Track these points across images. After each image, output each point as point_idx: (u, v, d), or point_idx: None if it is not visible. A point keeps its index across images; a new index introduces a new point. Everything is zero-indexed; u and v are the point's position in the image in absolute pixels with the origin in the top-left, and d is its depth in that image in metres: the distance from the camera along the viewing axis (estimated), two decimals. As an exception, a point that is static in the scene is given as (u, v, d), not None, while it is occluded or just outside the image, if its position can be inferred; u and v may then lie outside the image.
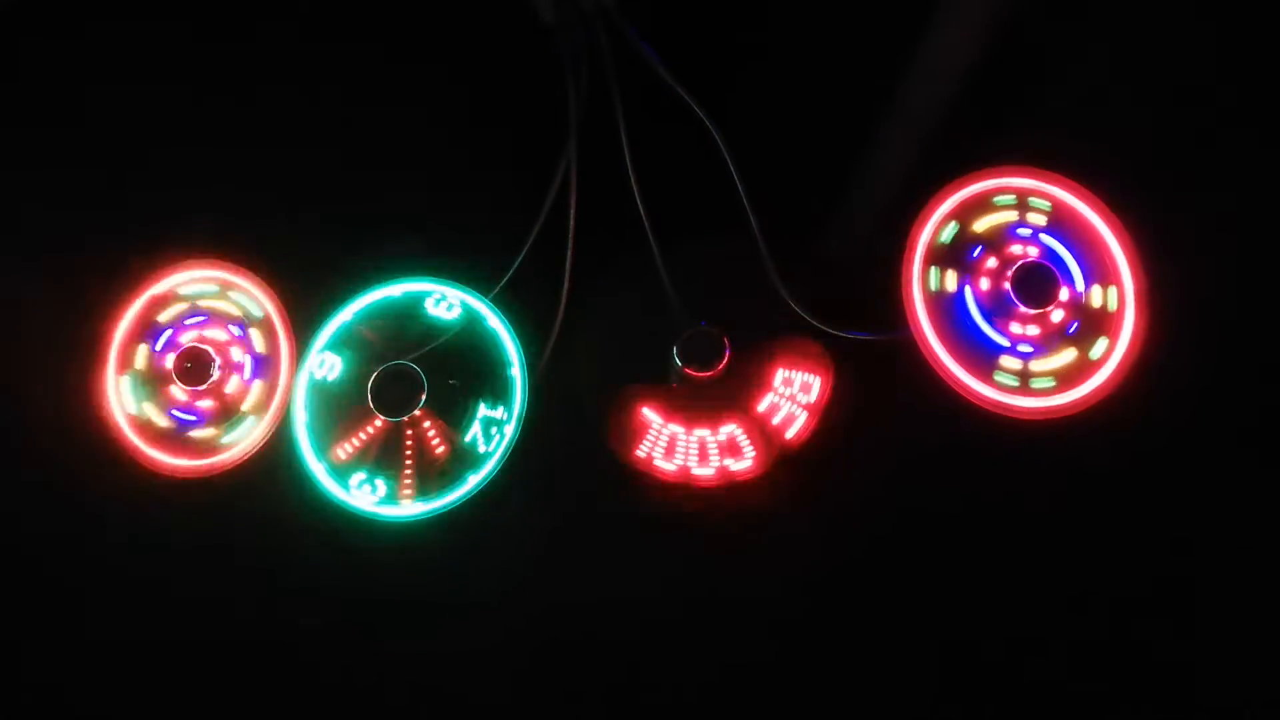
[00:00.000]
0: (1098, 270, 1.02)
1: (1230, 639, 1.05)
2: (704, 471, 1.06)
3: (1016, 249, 1.03)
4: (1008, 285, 1.02)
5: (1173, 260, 1.03)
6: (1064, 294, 1.01)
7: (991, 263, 1.03)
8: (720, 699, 1.07)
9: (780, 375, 1.06)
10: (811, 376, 1.06)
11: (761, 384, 1.06)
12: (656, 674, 1.08)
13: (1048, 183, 1.04)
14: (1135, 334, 1.00)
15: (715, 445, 1.06)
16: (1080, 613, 1.06)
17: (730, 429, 1.06)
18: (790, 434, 1.06)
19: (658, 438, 1.06)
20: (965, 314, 1.03)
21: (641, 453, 1.06)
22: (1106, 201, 1.03)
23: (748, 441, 1.05)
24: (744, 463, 1.06)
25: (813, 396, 1.05)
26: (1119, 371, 1.00)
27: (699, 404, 1.06)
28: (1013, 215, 1.04)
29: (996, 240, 1.04)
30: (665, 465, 1.06)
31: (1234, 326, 1.10)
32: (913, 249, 1.04)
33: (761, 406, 1.06)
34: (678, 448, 1.07)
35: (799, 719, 1.06)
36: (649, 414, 1.06)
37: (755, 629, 1.08)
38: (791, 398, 1.06)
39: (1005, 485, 1.08)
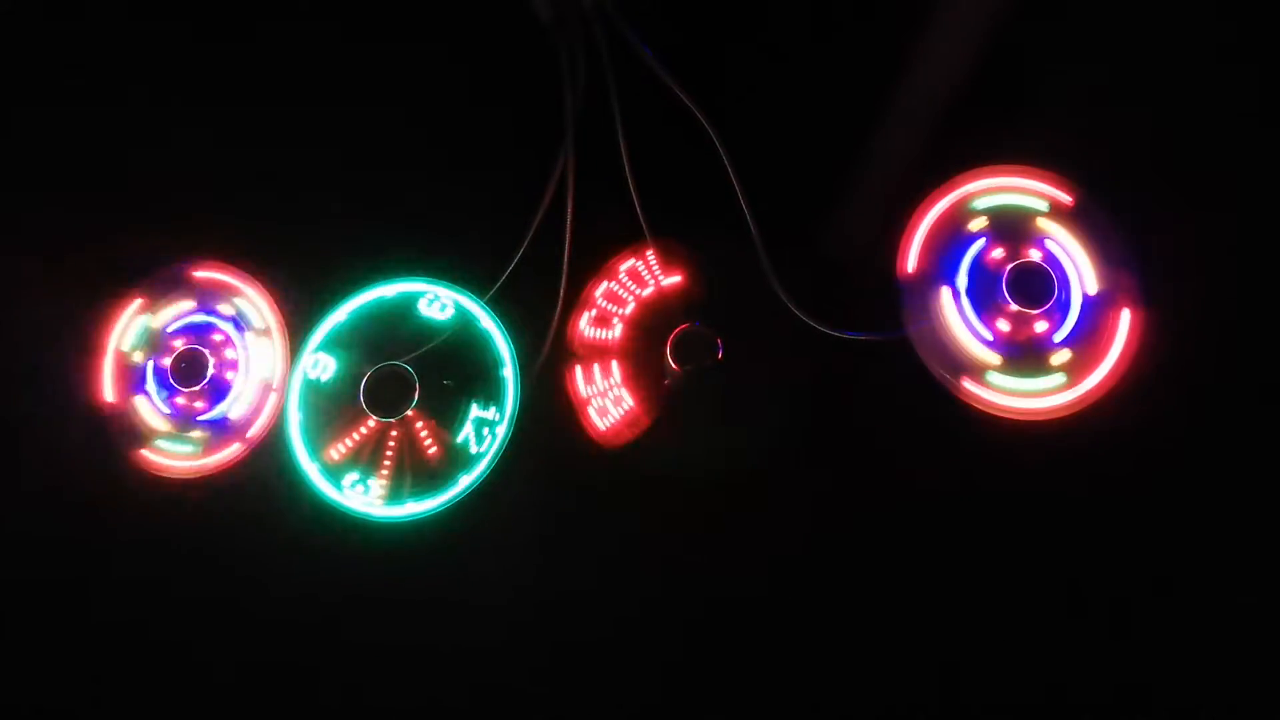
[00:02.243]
0: (1094, 271, 1.02)
1: (1228, 639, 1.04)
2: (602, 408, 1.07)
3: (1012, 249, 1.03)
4: (1003, 285, 1.02)
5: (1172, 261, 1.03)
6: (1059, 295, 1.01)
7: (988, 261, 1.03)
8: (716, 695, 1.07)
9: (615, 378, 1.07)
10: (629, 398, 1.07)
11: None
12: (653, 670, 1.08)
13: (1044, 183, 1.04)
14: (1131, 336, 1.00)
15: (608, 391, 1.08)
16: (1078, 614, 1.05)
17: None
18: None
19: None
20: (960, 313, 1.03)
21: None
22: (1103, 202, 1.03)
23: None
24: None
25: (611, 409, 1.07)
26: (1114, 374, 0.99)
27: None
28: (1008, 215, 1.04)
29: (992, 239, 1.04)
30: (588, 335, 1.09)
31: (1234, 326, 1.09)
32: (908, 248, 1.03)
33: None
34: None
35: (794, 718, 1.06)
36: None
37: (752, 627, 1.08)
38: (604, 393, 1.08)
39: (1001, 485, 1.07)
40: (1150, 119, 1.15)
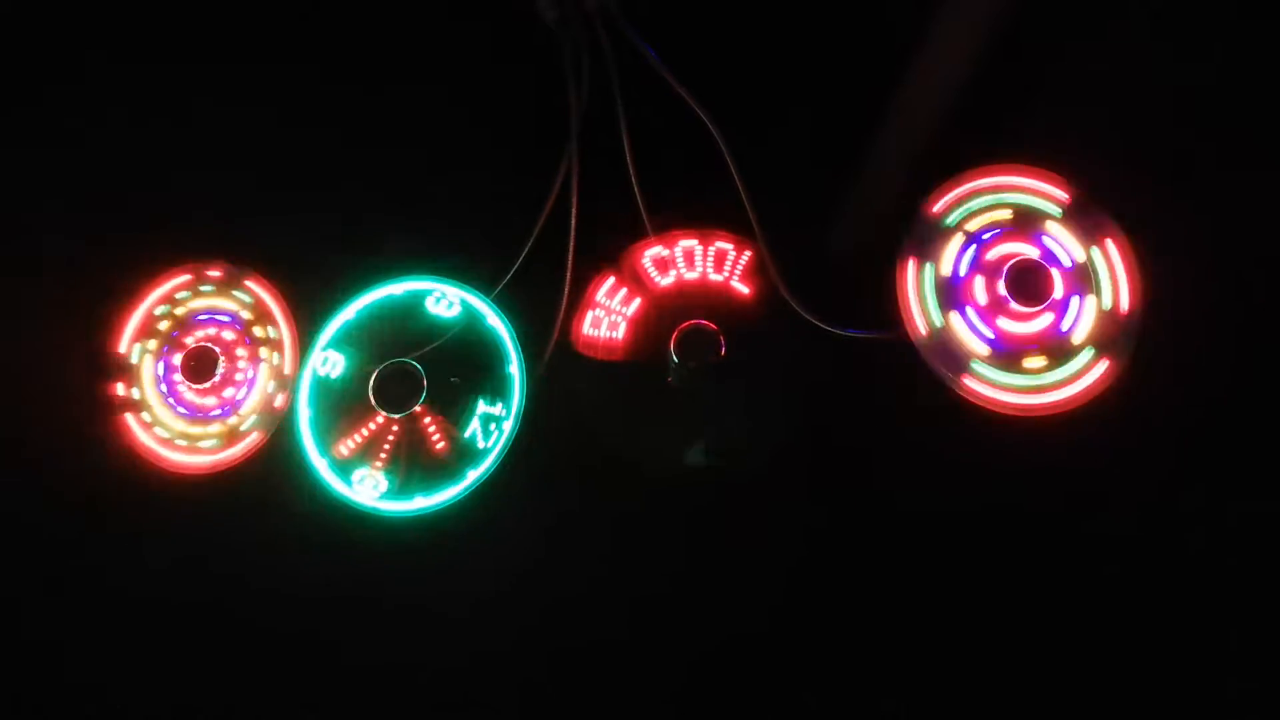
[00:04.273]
0: (1094, 268, 1.03)
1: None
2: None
3: (1012, 247, 1.04)
4: (1002, 284, 1.03)
5: (1172, 258, 1.03)
6: (1058, 293, 1.02)
7: (987, 259, 1.04)
8: (717, 695, 1.08)
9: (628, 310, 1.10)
10: (622, 330, 1.09)
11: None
12: (652, 671, 1.08)
13: (1046, 182, 1.05)
14: (1130, 333, 1.01)
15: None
16: (1078, 609, 1.06)
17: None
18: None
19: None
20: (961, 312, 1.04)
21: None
22: (1104, 200, 1.04)
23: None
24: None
25: (604, 326, 1.09)
26: (1113, 370, 1.00)
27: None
28: (1008, 214, 1.05)
29: (989, 238, 1.05)
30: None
31: (1235, 325, 1.10)
32: (909, 247, 1.04)
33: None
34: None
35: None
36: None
37: (754, 628, 1.08)
38: (608, 310, 1.10)
39: (1004, 482, 1.08)
40: (1151, 117, 1.16)
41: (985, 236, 1.04)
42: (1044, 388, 1.01)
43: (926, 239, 1.05)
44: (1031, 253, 1.04)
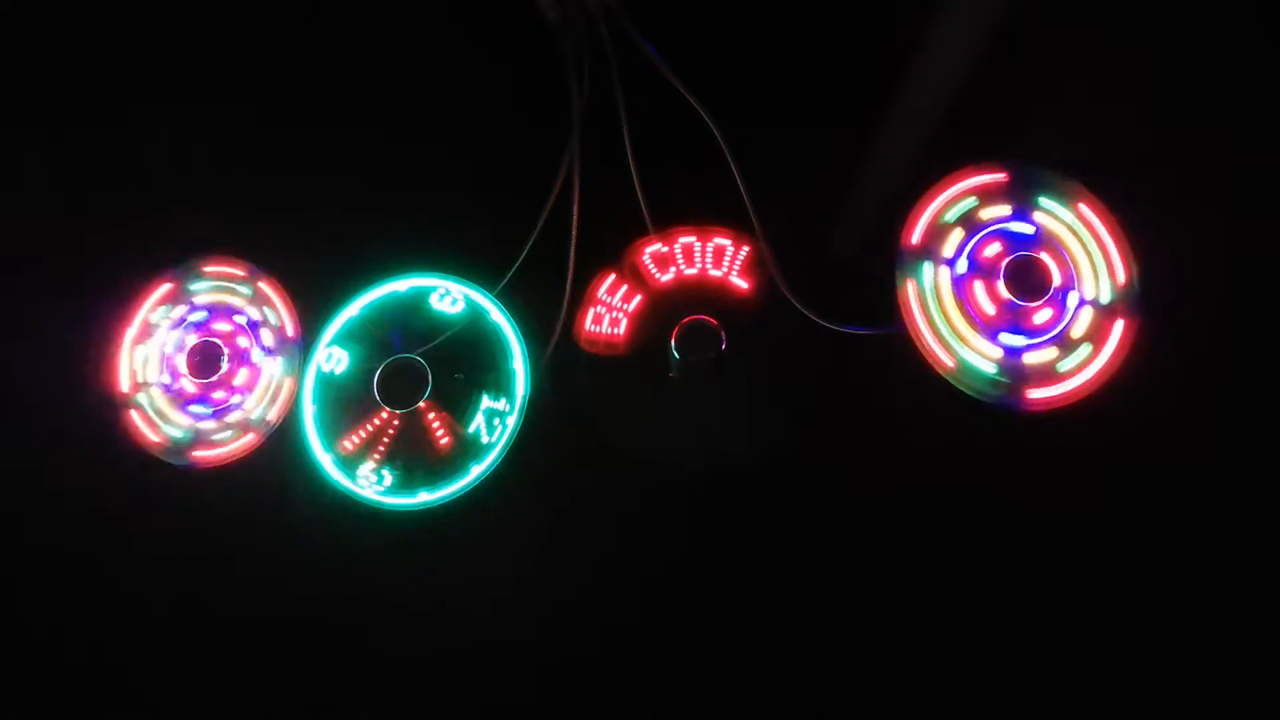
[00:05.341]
0: (1092, 266, 1.04)
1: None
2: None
3: (1012, 243, 1.05)
4: (1001, 278, 1.04)
5: (1171, 258, 1.04)
6: (1056, 288, 1.03)
7: (988, 252, 1.05)
8: (718, 693, 1.09)
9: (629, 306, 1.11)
10: (624, 326, 1.10)
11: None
12: (649, 669, 1.09)
13: (1046, 179, 1.06)
14: (1127, 330, 1.02)
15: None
16: (1077, 605, 1.07)
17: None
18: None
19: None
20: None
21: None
22: (1104, 198, 1.05)
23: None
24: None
25: (606, 322, 1.11)
26: (1109, 366, 1.01)
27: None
28: (1007, 210, 1.06)
29: (991, 234, 1.06)
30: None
31: (1232, 322, 1.10)
32: (907, 243, 1.05)
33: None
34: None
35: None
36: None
37: (753, 623, 1.09)
38: (609, 307, 1.11)
39: (1003, 478, 1.08)
40: (1150, 118, 1.17)
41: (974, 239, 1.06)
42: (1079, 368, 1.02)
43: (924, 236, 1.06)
44: (1028, 248, 1.05)
